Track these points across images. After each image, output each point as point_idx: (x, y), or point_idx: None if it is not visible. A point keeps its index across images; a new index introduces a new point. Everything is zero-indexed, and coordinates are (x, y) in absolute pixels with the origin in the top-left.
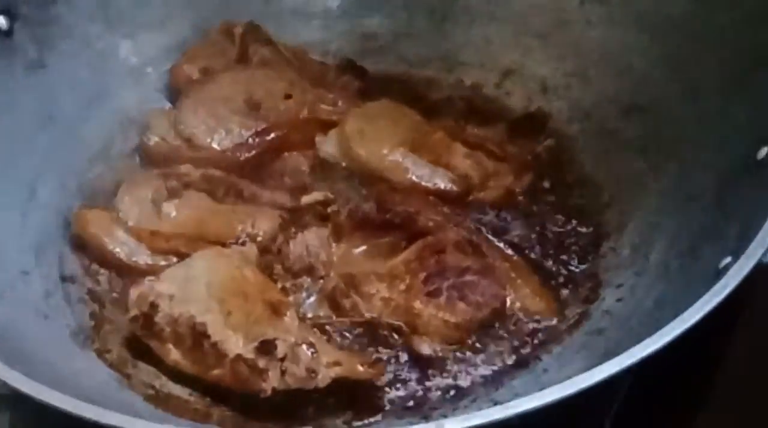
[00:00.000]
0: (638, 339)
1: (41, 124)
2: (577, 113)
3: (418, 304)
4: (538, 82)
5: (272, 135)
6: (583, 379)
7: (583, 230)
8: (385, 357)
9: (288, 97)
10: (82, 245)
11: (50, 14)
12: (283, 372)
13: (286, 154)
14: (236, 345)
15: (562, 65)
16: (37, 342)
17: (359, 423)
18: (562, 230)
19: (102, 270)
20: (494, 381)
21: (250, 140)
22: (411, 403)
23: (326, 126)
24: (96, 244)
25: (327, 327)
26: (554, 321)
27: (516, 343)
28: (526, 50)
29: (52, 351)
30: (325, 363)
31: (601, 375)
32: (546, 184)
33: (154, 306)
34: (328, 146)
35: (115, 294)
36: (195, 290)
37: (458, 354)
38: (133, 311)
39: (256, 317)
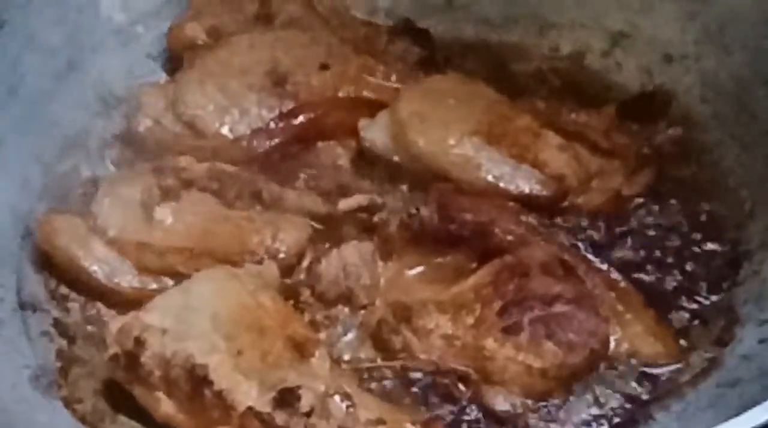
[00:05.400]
0: None
1: None
2: (711, 91)
3: (491, 343)
4: (659, 50)
5: (302, 118)
6: None
7: (717, 248)
8: (445, 414)
9: (324, 67)
10: (47, 261)
11: None
12: None
13: (319, 144)
14: (248, 394)
15: (691, 26)
16: None
17: None
18: (687, 248)
19: (73, 295)
20: None
21: (273, 124)
22: None
23: (373, 107)
24: (65, 260)
25: (369, 373)
26: (675, 369)
27: (622, 397)
28: (644, 6)
29: (5, 399)
30: (364, 420)
31: None
32: (667, 186)
33: (140, 343)
34: (375, 133)
35: (89, 327)
36: (195, 323)
37: (544, 410)
38: (113, 349)
39: (274, 359)
